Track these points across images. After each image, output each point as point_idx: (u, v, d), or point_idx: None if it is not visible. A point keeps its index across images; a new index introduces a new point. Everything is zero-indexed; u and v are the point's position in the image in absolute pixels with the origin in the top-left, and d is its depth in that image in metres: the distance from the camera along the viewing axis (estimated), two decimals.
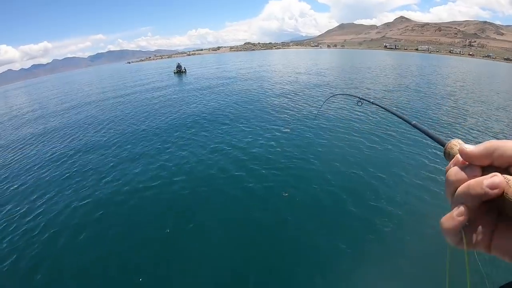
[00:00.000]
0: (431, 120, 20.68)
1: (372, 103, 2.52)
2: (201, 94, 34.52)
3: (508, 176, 0.54)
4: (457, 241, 0.59)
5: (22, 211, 11.07)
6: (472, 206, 0.58)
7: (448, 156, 0.78)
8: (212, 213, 9.89)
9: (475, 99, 29.20)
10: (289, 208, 9.75)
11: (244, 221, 9.40)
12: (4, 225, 10.29)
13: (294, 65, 72.83)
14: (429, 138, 1.03)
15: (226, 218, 9.58)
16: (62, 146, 19.07)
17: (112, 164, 14.75)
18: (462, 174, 0.61)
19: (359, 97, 2.96)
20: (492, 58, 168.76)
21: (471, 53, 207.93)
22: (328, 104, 22.54)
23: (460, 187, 0.60)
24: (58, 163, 15.76)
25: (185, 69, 71.27)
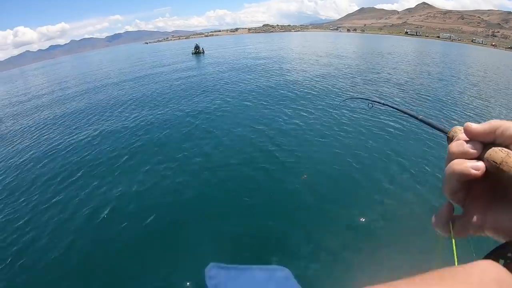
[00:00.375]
0: (454, 110, 20.73)
1: (383, 104, 2.41)
2: (219, 75, 34.92)
3: (508, 150, 0.57)
4: (446, 233, 0.63)
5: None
6: (455, 187, 0.62)
7: (451, 140, 0.77)
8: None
9: (498, 91, 29.05)
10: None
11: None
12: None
13: (314, 50, 71.74)
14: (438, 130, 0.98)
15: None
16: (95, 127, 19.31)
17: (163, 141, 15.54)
18: (464, 147, 0.62)
19: (370, 100, 2.76)
20: None
21: (493, 43, 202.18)
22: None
23: (449, 163, 0.63)
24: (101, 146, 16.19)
25: (203, 50, 71.65)
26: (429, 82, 29.95)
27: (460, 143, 0.64)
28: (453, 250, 0.60)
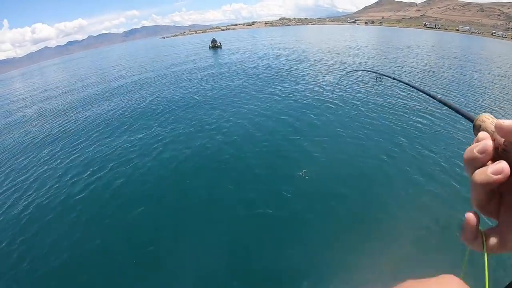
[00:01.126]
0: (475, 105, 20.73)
1: (394, 78, 2.37)
2: (236, 69, 35.74)
3: None
4: (477, 247, 0.56)
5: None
6: (483, 199, 0.56)
7: (478, 130, 0.71)
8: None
9: None
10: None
11: None
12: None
13: (332, 42, 71.66)
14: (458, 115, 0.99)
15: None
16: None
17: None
18: (479, 148, 0.56)
19: (379, 73, 2.88)
20: None
21: None
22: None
23: (471, 171, 0.57)
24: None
25: (220, 44, 72.58)
26: (451, 76, 29.90)
27: (474, 147, 0.58)
28: (484, 266, 0.54)
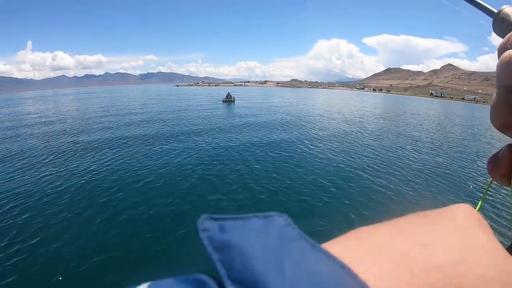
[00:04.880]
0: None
1: None
2: (248, 124, 36.80)
3: None
4: (506, 183, 0.47)
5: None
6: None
7: (501, 29, 0.56)
8: None
9: None
10: None
11: None
12: None
13: (340, 108, 74.09)
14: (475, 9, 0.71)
15: None
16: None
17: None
18: None
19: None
20: None
21: None
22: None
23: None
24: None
25: (234, 98, 74.49)
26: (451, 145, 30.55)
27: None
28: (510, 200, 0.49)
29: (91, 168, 17.74)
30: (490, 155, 0.51)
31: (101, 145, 24.04)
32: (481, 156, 25.63)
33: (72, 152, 22.26)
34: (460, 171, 20.17)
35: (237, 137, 27.82)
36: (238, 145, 24.13)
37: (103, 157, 20.41)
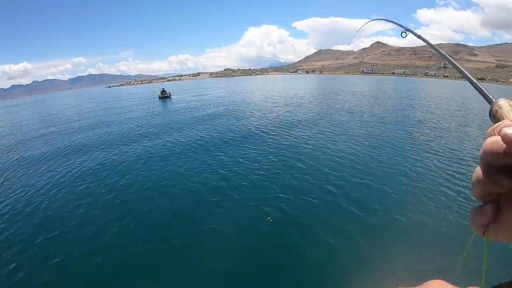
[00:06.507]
0: (411, 139, 22.33)
1: (418, 37, 2.30)
2: (186, 118, 35.92)
3: None
4: (480, 233, 0.57)
5: None
6: (493, 190, 0.53)
7: (494, 118, 0.66)
8: None
9: (448, 118, 31.80)
10: None
11: None
12: None
13: (274, 92, 73.99)
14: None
15: None
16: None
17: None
18: (501, 149, 0.50)
19: (404, 27, 2.77)
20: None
21: (446, 74, 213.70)
22: None
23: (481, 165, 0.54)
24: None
25: (169, 94, 72.44)
26: (382, 116, 31.49)
27: (496, 141, 0.51)
28: (484, 251, 0.55)
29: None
30: (475, 206, 0.56)
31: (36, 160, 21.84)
32: (417, 123, 28.60)
33: None
34: (398, 135, 23.45)
35: (180, 134, 26.66)
36: (182, 143, 23.18)
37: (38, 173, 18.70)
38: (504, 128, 0.50)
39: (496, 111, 0.65)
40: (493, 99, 0.70)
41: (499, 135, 0.50)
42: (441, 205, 11.45)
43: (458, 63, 1.19)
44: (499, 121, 0.60)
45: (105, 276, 8.53)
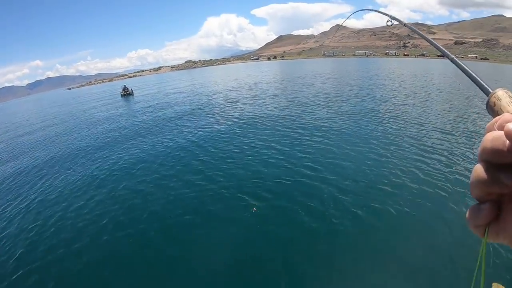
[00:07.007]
0: (374, 113, 24.01)
1: (405, 25, 2.36)
2: (150, 112, 36.46)
3: None
4: (480, 234, 0.54)
5: None
6: (494, 190, 0.50)
7: (492, 111, 0.62)
8: None
9: (411, 95, 33.61)
10: None
11: None
12: None
13: (238, 80, 74.49)
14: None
15: None
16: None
17: None
18: (504, 145, 0.47)
19: (389, 16, 2.91)
20: (426, 56, 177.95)
21: (406, 53, 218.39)
22: None
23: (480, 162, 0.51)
24: None
25: (132, 91, 70.72)
26: (347, 96, 32.22)
27: (497, 138, 0.48)
28: (481, 251, 0.54)
29: None
30: (474, 204, 0.54)
31: None
32: (382, 101, 30.27)
33: None
34: (366, 113, 24.32)
35: (149, 131, 26.21)
36: (152, 141, 22.71)
37: None
38: (508, 124, 0.47)
39: (494, 103, 0.61)
40: (490, 90, 0.66)
41: (500, 131, 0.48)
42: (414, 176, 12.31)
43: (451, 53, 1.26)
44: (497, 114, 0.57)
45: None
